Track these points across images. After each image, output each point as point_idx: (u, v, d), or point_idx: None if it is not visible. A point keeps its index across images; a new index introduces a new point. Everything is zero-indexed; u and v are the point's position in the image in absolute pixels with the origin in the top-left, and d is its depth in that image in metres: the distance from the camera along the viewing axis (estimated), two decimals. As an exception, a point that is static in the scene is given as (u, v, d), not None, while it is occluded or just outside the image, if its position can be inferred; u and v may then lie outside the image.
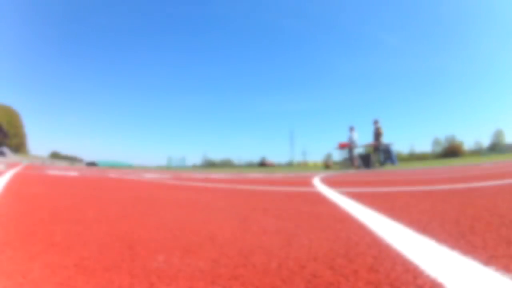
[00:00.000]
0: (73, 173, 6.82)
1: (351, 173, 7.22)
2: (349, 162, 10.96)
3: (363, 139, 11.23)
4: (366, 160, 9.74)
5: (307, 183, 3.52)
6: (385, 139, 10.81)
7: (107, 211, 1.41)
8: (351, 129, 11.16)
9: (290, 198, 1.93)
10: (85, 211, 1.40)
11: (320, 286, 0.55)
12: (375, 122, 10.94)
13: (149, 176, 6.20)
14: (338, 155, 12.74)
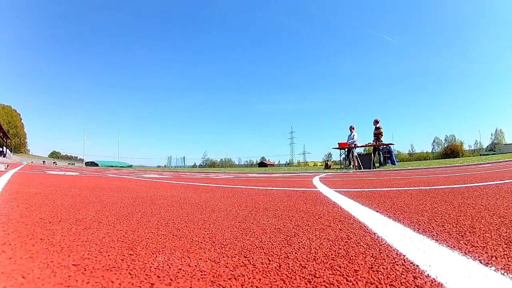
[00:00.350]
0: (73, 173, 6.82)
1: (351, 173, 7.22)
2: (349, 162, 10.96)
3: (363, 139, 11.24)
4: (366, 160, 9.73)
5: (307, 183, 3.52)
6: (385, 139, 10.82)
7: (107, 211, 1.41)
8: (351, 128, 11.17)
9: (290, 198, 1.93)
10: (85, 211, 1.40)
11: (320, 286, 0.55)
12: (375, 122, 10.95)
13: (149, 176, 6.20)
14: (338, 155, 12.75)
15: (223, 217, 1.27)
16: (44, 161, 62.13)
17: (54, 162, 65.11)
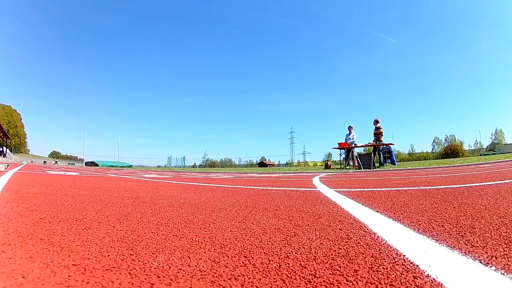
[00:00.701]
0: (73, 173, 6.82)
1: (351, 173, 7.22)
2: (349, 162, 10.96)
3: (363, 139, 11.24)
4: (366, 160, 9.73)
5: (307, 183, 3.52)
6: (385, 139, 10.82)
7: (107, 211, 1.41)
8: (350, 128, 11.18)
9: (290, 198, 1.93)
10: (85, 211, 1.40)
11: (320, 286, 0.55)
12: (375, 122, 10.95)
13: (149, 176, 6.20)
14: (338, 155, 12.76)
15: (223, 217, 1.27)
16: (45, 161, 62.17)
17: (55, 162, 65.28)
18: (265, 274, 0.61)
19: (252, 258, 0.72)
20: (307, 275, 0.60)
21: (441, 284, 0.54)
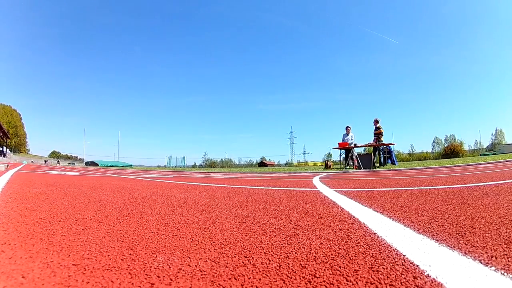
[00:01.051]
0: (73, 173, 6.82)
1: (351, 173, 7.22)
2: (349, 162, 10.96)
3: (362, 139, 11.25)
4: (366, 160, 9.73)
5: (307, 183, 3.52)
6: (385, 139, 10.82)
7: (107, 211, 1.41)
8: (347, 129, 11.19)
9: (290, 198, 1.93)
10: (85, 211, 1.40)
11: (320, 286, 0.55)
12: (376, 122, 10.95)
13: (149, 175, 6.20)
14: (338, 155, 12.76)
15: (223, 217, 1.27)
16: (46, 161, 62.12)
17: (57, 162, 65.35)
18: (265, 274, 0.61)
19: (252, 258, 0.72)
20: (307, 275, 0.60)
21: (441, 284, 0.54)
